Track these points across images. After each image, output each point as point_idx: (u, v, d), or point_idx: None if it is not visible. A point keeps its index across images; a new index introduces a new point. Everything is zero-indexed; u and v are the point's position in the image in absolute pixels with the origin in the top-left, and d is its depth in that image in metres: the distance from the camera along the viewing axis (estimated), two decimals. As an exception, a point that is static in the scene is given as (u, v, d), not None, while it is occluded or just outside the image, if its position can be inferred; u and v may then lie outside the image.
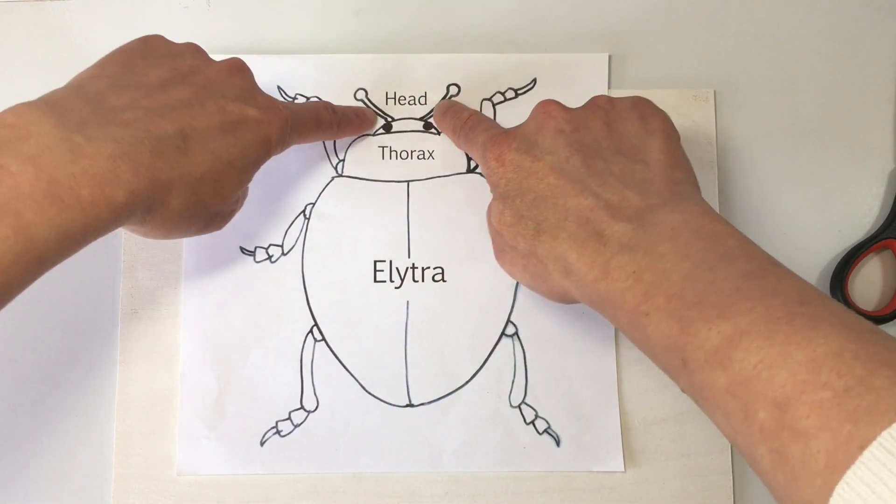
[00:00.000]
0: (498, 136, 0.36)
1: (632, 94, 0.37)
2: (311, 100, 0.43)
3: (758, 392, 0.24)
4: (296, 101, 0.40)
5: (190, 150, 0.31)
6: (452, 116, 0.41)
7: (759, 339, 0.25)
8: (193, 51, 0.36)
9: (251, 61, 0.44)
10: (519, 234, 0.33)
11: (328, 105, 0.41)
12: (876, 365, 0.23)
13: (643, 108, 0.35)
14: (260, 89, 0.36)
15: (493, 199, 0.35)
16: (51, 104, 0.29)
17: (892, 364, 0.23)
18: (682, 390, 0.28)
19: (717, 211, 0.43)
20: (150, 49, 0.35)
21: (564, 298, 0.34)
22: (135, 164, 0.29)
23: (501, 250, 0.36)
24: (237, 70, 0.36)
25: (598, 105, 0.36)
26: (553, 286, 0.33)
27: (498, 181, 0.35)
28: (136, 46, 0.35)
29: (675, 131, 0.35)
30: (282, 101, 0.37)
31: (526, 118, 0.36)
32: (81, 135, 0.28)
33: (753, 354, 0.24)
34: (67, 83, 0.32)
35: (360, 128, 0.43)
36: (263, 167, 0.43)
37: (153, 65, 0.34)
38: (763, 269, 0.27)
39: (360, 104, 0.44)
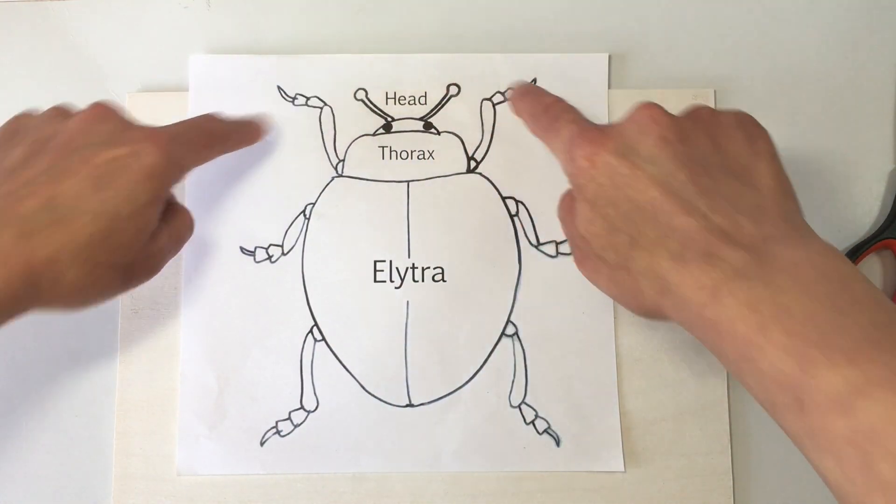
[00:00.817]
0: (590, 132, 0.32)
1: (733, 110, 0.34)
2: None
3: (883, 445, 0.23)
4: (182, 121, 0.37)
5: (64, 219, 0.30)
6: (533, 100, 0.37)
7: (890, 393, 0.24)
8: (55, 114, 0.35)
9: (251, 61, 0.44)
10: (610, 246, 0.31)
11: (211, 114, 0.39)
12: None
13: (749, 127, 0.33)
14: (130, 124, 0.34)
15: (580, 203, 0.33)
16: None
17: None
18: (784, 430, 0.27)
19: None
20: (13, 130, 0.34)
21: (654, 315, 0.32)
22: (2, 254, 0.28)
23: (585, 257, 0.34)
24: (99, 116, 0.34)
25: (701, 117, 0.33)
26: (644, 303, 0.31)
27: (586, 184, 0.32)
28: (1, 133, 0.34)
29: (779, 154, 0.33)
30: (160, 127, 0.35)
31: (623, 119, 0.33)
32: None
33: (881, 406, 0.24)
34: None
35: (257, 130, 0.41)
36: (263, 167, 0.43)
37: (15, 145, 0.33)
38: (894, 321, 0.26)
39: (361, 103, 0.44)
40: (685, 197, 0.29)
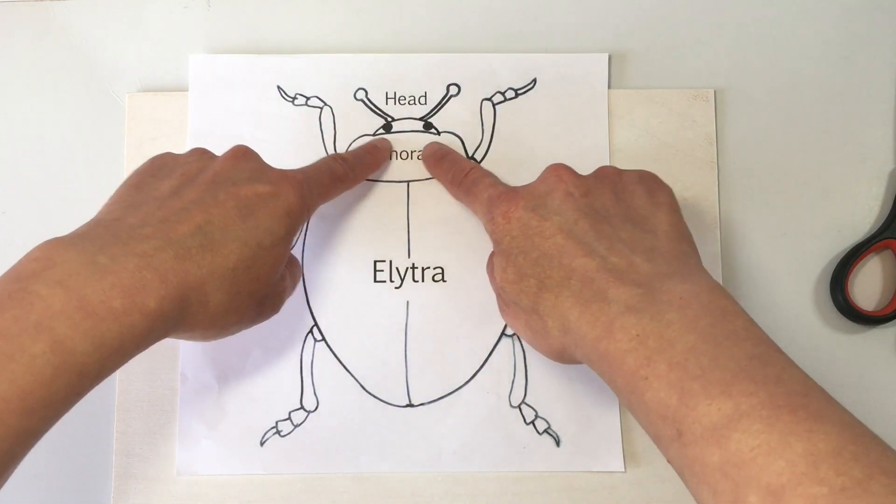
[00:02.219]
0: (506, 193, 0.36)
1: (638, 169, 0.37)
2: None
3: (752, 476, 0.24)
4: (312, 164, 0.40)
5: (214, 244, 0.31)
6: (451, 167, 0.41)
7: (759, 423, 0.25)
8: (199, 154, 0.36)
9: (251, 61, 0.44)
10: (521, 291, 0.34)
11: (337, 156, 0.41)
12: (875, 470, 0.23)
13: (650, 182, 0.36)
14: (269, 166, 0.36)
15: (496, 255, 0.36)
16: (72, 237, 0.30)
17: (890, 472, 0.23)
18: (669, 461, 0.28)
19: (717, 211, 0.43)
20: (158, 166, 0.36)
21: (563, 357, 0.34)
22: (160, 272, 0.29)
23: (505, 304, 0.37)
24: (241, 155, 0.36)
25: (606, 175, 0.36)
26: (552, 343, 0.33)
27: (502, 238, 0.35)
28: (145, 168, 0.36)
29: (678, 206, 0.36)
30: (294, 169, 0.37)
31: (535, 180, 0.36)
32: (105, 255, 0.29)
33: (752, 437, 0.24)
34: (89, 220, 0.33)
35: (376, 163, 0.43)
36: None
37: (163, 178, 0.34)
38: (769, 354, 0.27)
39: (361, 103, 0.44)
40: (586, 241, 0.32)
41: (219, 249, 0.31)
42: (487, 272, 0.39)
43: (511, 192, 0.36)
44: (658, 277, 0.30)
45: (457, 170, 0.41)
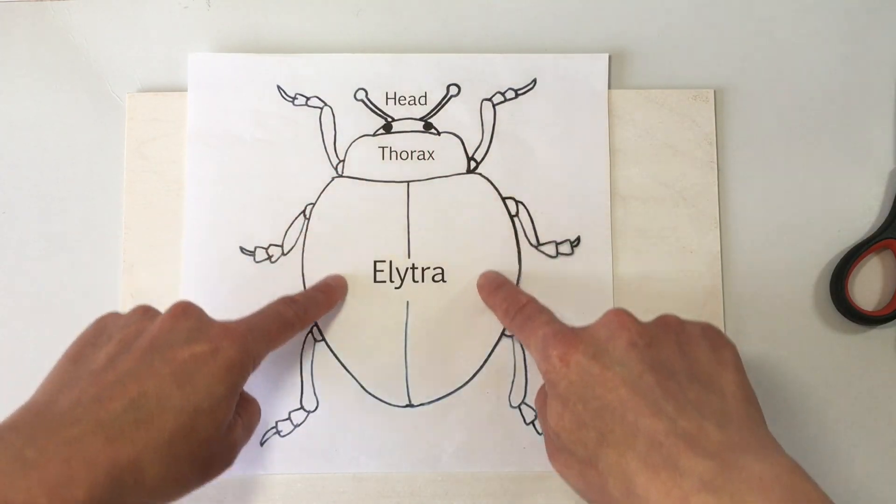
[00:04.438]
0: (564, 333, 0.34)
1: (700, 321, 0.36)
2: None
3: None
4: (259, 311, 0.38)
5: (148, 417, 0.31)
6: (506, 298, 0.40)
7: None
8: (140, 314, 0.36)
9: (251, 61, 0.44)
10: (579, 441, 0.32)
11: (286, 299, 0.39)
12: None
13: (714, 337, 0.35)
14: (211, 321, 0.35)
15: (551, 399, 0.34)
16: (2, 429, 0.30)
17: None
18: None
19: (717, 211, 0.43)
20: (98, 331, 0.35)
21: None
22: (89, 459, 0.29)
23: (557, 450, 0.35)
24: (181, 313, 0.35)
25: (669, 324, 0.35)
26: (610, 501, 0.31)
27: (558, 381, 0.33)
28: (86, 334, 0.35)
29: (743, 365, 0.34)
30: (238, 320, 0.36)
31: (595, 323, 0.35)
32: (33, 448, 0.28)
33: None
34: (25, 403, 0.33)
35: (330, 302, 0.41)
36: (263, 167, 0.43)
37: (101, 346, 0.34)
38: None
39: (361, 103, 0.44)
40: (652, 399, 0.31)
41: (153, 422, 0.31)
42: (537, 409, 0.38)
43: (570, 334, 0.34)
44: (731, 449, 0.29)
45: (512, 301, 0.39)
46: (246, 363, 0.35)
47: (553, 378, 0.34)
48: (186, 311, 0.35)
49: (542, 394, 0.37)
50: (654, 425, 0.30)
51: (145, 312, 0.36)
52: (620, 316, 0.34)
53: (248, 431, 0.37)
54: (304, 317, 0.39)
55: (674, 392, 0.31)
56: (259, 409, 0.38)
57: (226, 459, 0.35)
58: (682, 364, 0.33)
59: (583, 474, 0.33)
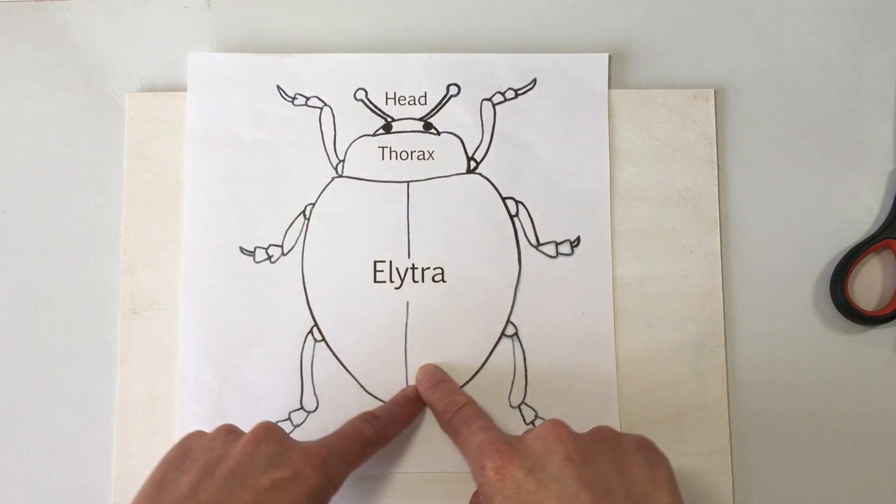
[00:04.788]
0: (499, 444, 0.34)
1: (635, 435, 0.36)
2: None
3: None
4: (339, 430, 0.38)
5: None
6: (444, 397, 0.40)
7: None
8: (224, 434, 0.36)
9: (251, 61, 0.44)
10: None
11: (366, 416, 0.39)
12: None
13: (649, 452, 0.35)
14: (293, 443, 0.35)
15: None
16: None
17: None
18: None
19: (717, 211, 0.43)
20: (184, 453, 0.35)
21: None
22: None
23: None
24: (263, 437, 0.35)
25: (605, 439, 0.35)
26: None
27: (494, 495, 0.33)
28: (171, 457, 0.35)
29: (676, 481, 0.34)
30: (318, 442, 0.36)
31: (531, 433, 0.34)
32: None
33: None
34: None
35: (410, 416, 0.41)
36: (263, 167, 0.43)
37: (185, 471, 0.34)
38: None
39: (361, 103, 0.44)
40: None
41: None
42: None
43: (505, 445, 0.34)
44: None
45: (449, 402, 0.39)
46: (327, 488, 0.34)
47: (489, 492, 0.33)
48: (268, 434, 0.35)
49: (475, 499, 0.37)
50: None
51: (228, 433, 0.36)
52: (557, 428, 0.34)
53: None
54: (385, 433, 0.39)
55: None
56: None
57: None
58: (617, 482, 0.32)
59: None
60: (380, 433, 0.38)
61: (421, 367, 0.42)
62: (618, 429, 0.41)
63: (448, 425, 0.39)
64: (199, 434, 0.36)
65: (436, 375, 0.41)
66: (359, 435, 0.38)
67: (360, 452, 0.37)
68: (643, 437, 0.35)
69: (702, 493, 0.41)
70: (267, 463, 0.34)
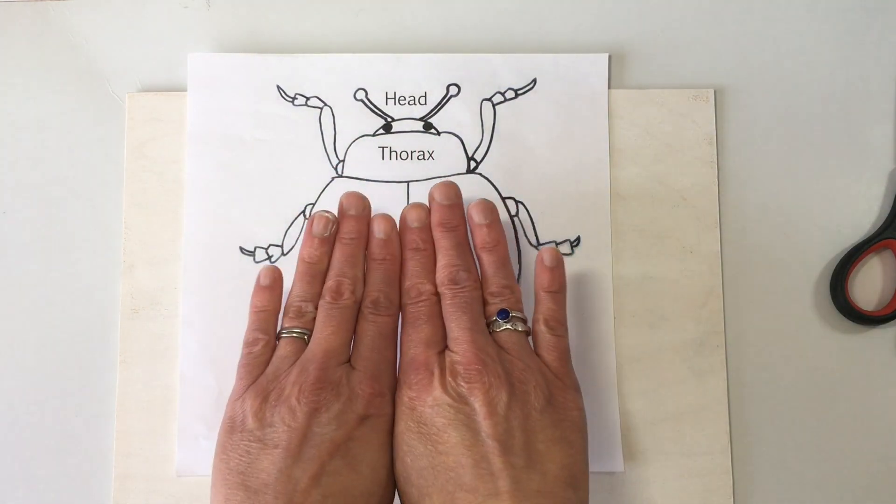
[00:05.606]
0: (424, 372, 0.35)
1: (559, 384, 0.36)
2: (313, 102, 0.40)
3: None
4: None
5: None
6: (417, 273, 0.39)
7: None
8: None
9: (251, 61, 0.44)
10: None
11: (368, 305, 0.38)
12: None
13: (559, 411, 0.35)
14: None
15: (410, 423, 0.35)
16: None
17: None
18: None
19: (717, 211, 0.43)
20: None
21: None
22: None
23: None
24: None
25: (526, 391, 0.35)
26: None
27: (400, 419, 0.35)
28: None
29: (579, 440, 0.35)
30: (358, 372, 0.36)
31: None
32: None
33: None
34: None
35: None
36: (263, 167, 0.43)
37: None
38: None
39: (361, 103, 0.44)
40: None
41: None
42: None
43: (428, 378, 0.35)
44: None
45: (413, 286, 0.38)
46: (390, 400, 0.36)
47: (398, 411, 0.35)
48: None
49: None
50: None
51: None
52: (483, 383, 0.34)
53: None
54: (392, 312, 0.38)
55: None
56: None
57: None
58: (521, 438, 0.33)
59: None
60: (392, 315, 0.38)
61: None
62: (617, 428, 0.41)
63: (402, 310, 0.38)
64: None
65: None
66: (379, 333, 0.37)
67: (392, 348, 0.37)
68: (562, 389, 0.36)
69: (702, 493, 0.41)
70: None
